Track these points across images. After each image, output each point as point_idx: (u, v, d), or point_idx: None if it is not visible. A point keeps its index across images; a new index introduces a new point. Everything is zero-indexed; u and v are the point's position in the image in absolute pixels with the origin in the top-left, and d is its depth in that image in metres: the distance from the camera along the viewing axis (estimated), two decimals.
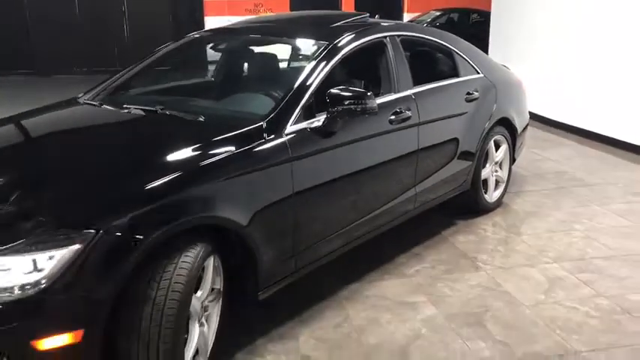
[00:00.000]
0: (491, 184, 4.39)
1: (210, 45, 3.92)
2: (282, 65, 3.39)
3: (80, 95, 3.46)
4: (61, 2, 13.33)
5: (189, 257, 2.22)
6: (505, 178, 4.53)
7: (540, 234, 4.03)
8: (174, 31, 14.04)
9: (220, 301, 2.56)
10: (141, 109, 3.01)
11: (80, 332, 1.99)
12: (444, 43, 4.05)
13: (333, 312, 3.02)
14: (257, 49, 3.62)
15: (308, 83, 2.92)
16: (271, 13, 16.35)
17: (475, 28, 13.44)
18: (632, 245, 3.84)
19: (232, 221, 2.40)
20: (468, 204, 4.28)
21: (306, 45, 3.36)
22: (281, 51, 3.45)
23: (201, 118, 2.86)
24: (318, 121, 2.86)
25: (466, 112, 3.96)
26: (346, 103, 2.81)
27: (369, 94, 2.86)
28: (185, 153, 2.45)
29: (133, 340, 2.10)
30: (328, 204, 2.94)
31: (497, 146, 4.40)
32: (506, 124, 4.39)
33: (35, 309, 1.94)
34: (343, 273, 3.36)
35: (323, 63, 3.05)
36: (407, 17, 16.54)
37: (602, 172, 5.50)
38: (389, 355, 2.67)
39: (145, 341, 2.10)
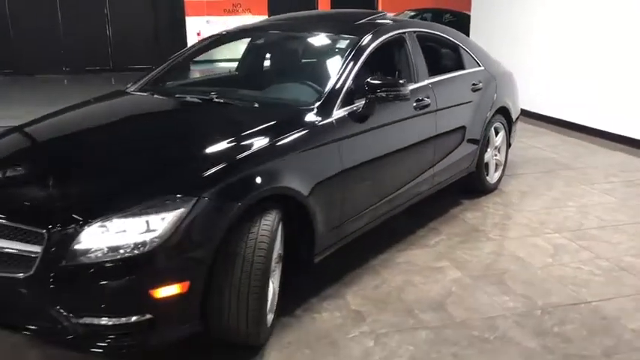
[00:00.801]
0: (492, 166, 4.84)
1: (250, 40, 4.26)
2: (316, 58, 3.73)
3: (129, 86, 3.76)
4: (42, 3, 13.35)
5: (268, 221, 2.56)
6: (503, 161, 4.99)
7: (538, 210, 4.49)
8: (155, 31, 14.22)
9: (281, 265, 2.90)
10: (197, 97, 3.34)
11: (187, 283, 2.32)
12: (451, 39, 4.48)
13: (370, 276, 3.40)
14: (291, 44, 3.96)
15: (346, 73, 3.29)
16: (250, 14, 16.68)
17: None
18: (621, 217, 4.33)
19: (297, 191, 2.74)
20: (472, 185, 4.70)
21: (337, 40, 3.70)
22: (312, 45, 3.81)
23: (256, 105, 3.20)
24: (357, 106, 3.23)
25: (472, 101, 4.39)
26: (383, 90, 3.19)
27: (401, 81, 3.25)
28: (255, 133, 2.80)
29: (226, 291, 2.43)
30: (367, 180, 3.32)
31: (496, 132, 4.84)
32: (504, 112, 4.84)
33: (152, 263, 2.26)
34: (372, 245, 3.73)
35: (356, 55, 3.42)
36: None
37: (584, 158, 6.02)
38: (428, 307, 3.06)
39: (236, 292, 2.44)
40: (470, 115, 4.35)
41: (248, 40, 4.40)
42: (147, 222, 2.27)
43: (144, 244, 2.24)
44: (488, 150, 4.74)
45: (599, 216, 4.34)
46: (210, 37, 4.26)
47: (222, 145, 2.69)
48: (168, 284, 2.29)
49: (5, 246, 2.30)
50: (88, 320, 2.26)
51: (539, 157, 6.04)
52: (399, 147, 3.55)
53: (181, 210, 2.31)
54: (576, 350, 2.69)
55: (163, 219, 2.28)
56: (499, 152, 4.93)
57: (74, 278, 2.25)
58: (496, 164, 4.91)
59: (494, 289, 3.26)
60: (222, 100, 3.29)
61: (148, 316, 2.28)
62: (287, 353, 2.66)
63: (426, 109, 3.78)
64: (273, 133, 2.82)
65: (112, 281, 2.25)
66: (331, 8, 16.99)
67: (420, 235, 4.00)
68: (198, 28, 16.01)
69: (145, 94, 3.60)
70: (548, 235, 4.01)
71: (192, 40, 15.46)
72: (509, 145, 5.11)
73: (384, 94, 3.20)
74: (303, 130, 2.92)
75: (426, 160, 3.89)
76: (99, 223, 2.25)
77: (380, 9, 17.90)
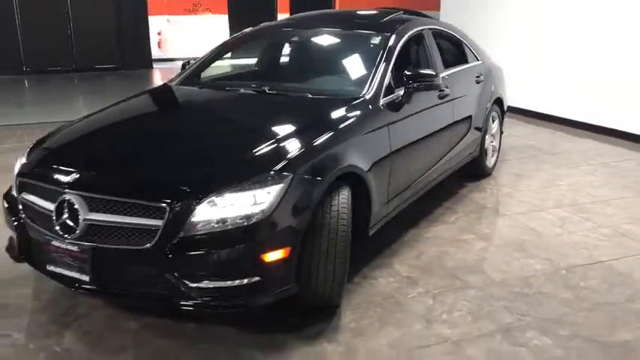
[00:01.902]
0: (490, 152, 5.31)
1: (275, 37, 4.56)
2: (351, 52, 4.04)
3: (172, 78, 4.02)
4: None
5: (344, 195, 2.90)
6: (497, 147, 5.48)
7: (536, 189, 4.99)
8: (119, 31, 14.15)
9: None
10: (250, 90, 3.64)
11: (288, 249, 2.63)
12: (455, 35, 4.92)
13: (408, 249, 3.79)
14: (323, 40, 4.26)
15: (385, 65, 3.66)
16: (210, 13, 16.80)
17: None
18: (607, 193, 4.89)
19: (361, 169, 3.09)
20: (473, 169, 5.16)
21: (369, 36, 4.00)
22: (345, 41, 4.15)
23: (309, 95, 3.52)
24: (397, 95, 3.61)
25: (476, 93, 4.84)
26: (419, 80, 3.59)
27: (434, 73, 3.65)
28: (323, 120, 3.14)
29: (316, 256, 2.75)
30: (407, 162, 3.69)
31: (492, 121, 5.32)
32: (498, 102, 5.33)
33: (262, 231, 2.55)
34: (399, 224, 4.09)
35: (391, 50, 3.78)
36: None
37: (560, 144, 6.61)
38: (468, 271, 3.47)
39: (324, 257, 2.76)
40: (475, 105, 4.80)
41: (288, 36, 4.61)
42: (254, 196, 2.57)
43: (253, 215, 2.54)
44: (487, 137, 5.21)
45: (590, 193, 4.88)
46: (235, 36, 4.53)
47: (302, 130, 3.00)
48: (274, 249, 2.59)
49: (127, 221, 2.55)
50: (203, 284, 2.53)
51: (519, 144, 6.59)
52: (428, 132, 3.95)
53: (281, 185, 2.62)
54: (604, 299, 3.16)
55: (269, 193, 2.58)
56: (494, 139, 5.41)
57: (191, 248, 2.51)
58: (492, 150, 5.39)
59: (519, 255, 3.70)
60: (274, 92, 3.60)
61: (257, 278, 2.58)
62: (360, 312, 3.01)
63: (446, 99, 4.19)
64: (340, 119, 3.17)
65: (227, 249, 2.53)
66: (290, 8, 17.26)
67: (438, 213, 4.42)
68: (159, 27, 16.08)
69: (194, 87, 3.87)
70: (550, 209, 4.50)
71: (155, 39, 15.49)
72: (501, 132, 5.61)
73: (421, 84, 3.60)
74: (362, 116, 3.28)
75: (446, 145, 4.31)
76: (213, 198, 2.53)
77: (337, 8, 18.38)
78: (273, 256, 2.59)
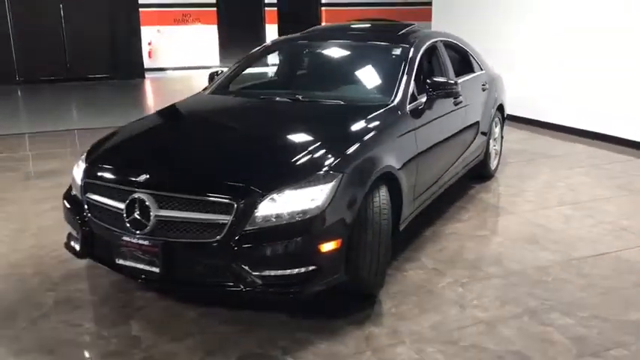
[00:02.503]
0: (493, 155, 5.66)
1: (296, 49, 4.85)
2: (375, 62, 4.34)
3: (205, 88, 4.31)
4: None
5: (383, 192, 3.19)
6: (499, 150, 5.84)
7: (538, 189, 5.35)
8: (112, 41, 14.32)
9: None
10: (285, 98, 3.94)
11: (339, 241, 2.92)
12: (462, 46, 5.27)
13: (431, 244, 4.09)
14: (347, 51, 4.56)
15: (408, 74, 3.97)
16: (200, 24, 17.03)
17: None
18: (604, 192, 5.26)
19: (395, 169, 3.39)
20: (478, 171, 5.49)
21: (390, 47, 4.32)
22: (368, 51, 4.46)
23: (341, 102, 3.82)
24: (420, 102, 3.92)
25: (482, 100, 5.19)
26: (441, 88, 3.92)
27: (454, 81, 3.98)
28: (359, 125, 3.44)
29: (362, 248, 3.03)
30: (429, 163, 3.99)
31: (495, 126, 5.67)
32: (500, 109, 5.69)
33: (318, 224, 2.82)
34: (420, 221, 4.39)
35: (412, 59, 4.10)
36: None
37: (554, 148, 7.01)
38: (489, 263, 3.79)
39: (369, 248, 3.05)
40: (482, 111, 5.15)
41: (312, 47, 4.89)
42: (310, 193, 2.85)
43: (310, 210, 2.82)
44: (491, 141, 5.56)
45: (587, 192, 5.25)
46: (258, 49, 4.81)
47: (345, 134, 3.31)
48: (328, 241, 2.87)
49: (197, 217, 2.81)
50: (265, 273, 2.80)
51: (516, 149, 6.96)
52: (446, 136, 4.28)
53: (333, 183, 2.90)
54: (614, 284, 3.50)
55: (322, 190, 2.87)
56: (496, 143, 5.76)
57: (254, 240, 2.78)
58: (495, 153, 5.74)
59: (532, 247, 4.04)
60: (308, 100, 3.90)
61: (313, 267, 2.85)
62: (398, 300, 3.30)
63: (459, 106, 4.53)
64: (375, 124, 3.47)
65: (287, 240, 2.80)
66: (278, 22, 17.55)
67: (452, 212, 4.74)
68: (149, 37, 16.25)
69: (229, 96, 4.16)
70: (554, 207, 4.85)
71: (145, 49, 15.66)
72: (502, 137, 5.97)
73: (441, 92, 3.93)
74: (393, 121, 3.60)
75: (459, 149, 4.64)
76: (274, 195, 2.81)
77: (323, 21, 18.75)
78: (327, 246, 2.87)
